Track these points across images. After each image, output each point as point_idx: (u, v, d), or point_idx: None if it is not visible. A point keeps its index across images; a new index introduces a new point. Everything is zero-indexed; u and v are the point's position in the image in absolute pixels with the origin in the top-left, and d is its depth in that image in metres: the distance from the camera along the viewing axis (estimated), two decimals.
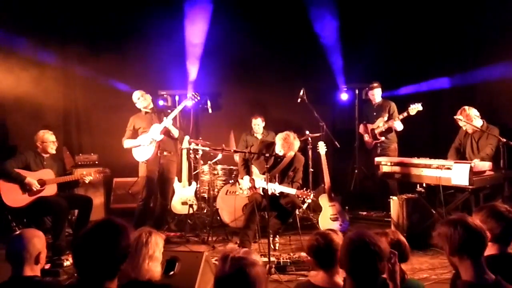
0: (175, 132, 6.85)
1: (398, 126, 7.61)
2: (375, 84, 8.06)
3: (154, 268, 3.09)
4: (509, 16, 7.42)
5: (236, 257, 2.28)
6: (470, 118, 6.50)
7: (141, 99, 6.86)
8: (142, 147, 6.72)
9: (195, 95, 6.96)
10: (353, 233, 2.68)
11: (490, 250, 2.98)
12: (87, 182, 6.64)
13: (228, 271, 2.23)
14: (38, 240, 3.20)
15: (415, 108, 7.22)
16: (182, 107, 6.93)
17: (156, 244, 3.14)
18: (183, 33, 8.64)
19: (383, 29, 8.65)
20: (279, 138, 6.21)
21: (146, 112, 6.92)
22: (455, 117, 6.54)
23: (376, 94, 8.06)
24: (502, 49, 7.44)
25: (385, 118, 7.82)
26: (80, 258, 2.44)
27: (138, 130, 6.88)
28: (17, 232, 3.35)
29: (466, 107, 6.59)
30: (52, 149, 6.53)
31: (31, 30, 7.86)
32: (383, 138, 7.86)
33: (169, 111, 7.04)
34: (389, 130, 7.79)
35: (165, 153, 6.77)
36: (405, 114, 7.39)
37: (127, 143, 6.87)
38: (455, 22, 8.24)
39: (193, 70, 8.84)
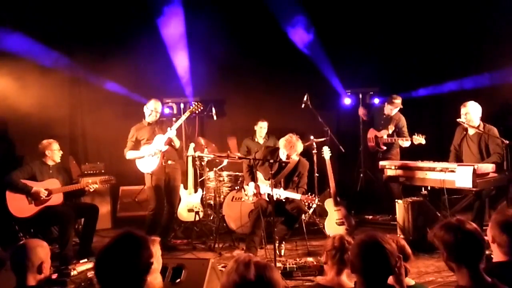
0: (177, 143, 6.81)
1: (406, 144, 7.59)
2: (397, 101, 7.83)
3: (154, 280, 3.07)
4: None
5: (260, 264, 2.28)
6: (474, 114, 6.50)
7: (153, 114, 6.76)
8: (147, 158, 6.65)
9: (198, 105, 6.93)
10: (364, 235, 2.72)
11: (498, 256, 2.97)
12: (91, 190, 6.68)
13: (254, 278, 2.22)
14: (41, 250, 3.24)
15: (418, 139, 7.20)
16: (186, 117, 6.87)
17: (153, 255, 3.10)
18: (187, 41, 8.69)
19: (386, 34, 8.70)
20: (282, 141, 6.22)
21: (148, 124, 6.84)
22: (458, 120, 6.55)
23: (394, 110, 7.92)
24: (507, 54, 7.45)
25: (390, 131, 7.80)
26: (104, 273, 2.44)
27: (140, 141, 6.80)
28: (21, 242, 3.39)
29: (468, 103, 6.58)
30: (59, 157, 6.60)
31: (37, 39, 7.92)
32: (385, 148, 7.87)
33: (174, 119, 7.04)
34: (392, 143, 7.83)
35: (169, 161, 6.72)
36: (408, 139, 7.39)
37: (130, 154, 6.78)
38: (460, 26, 8.25)
39: (197, 77, 8.89)
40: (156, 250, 3.13)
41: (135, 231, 2.57)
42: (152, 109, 6.74)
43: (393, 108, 7.92)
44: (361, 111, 8.53)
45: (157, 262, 3.11)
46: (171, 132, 6.61)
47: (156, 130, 6.76)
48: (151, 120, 6.79)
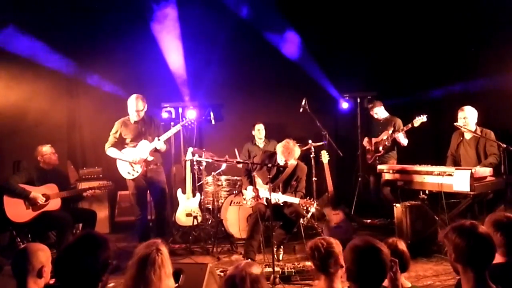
0: (163, 147, 6.66)
1: (402, 138, 7.64)
2: (371, 105, 8.13)
3: (171, 283, 3.07)
4: (509, 24, 7.47)
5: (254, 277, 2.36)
6: (471, 118, 6.53)
7: (135, 115, 6.55)
8: (128, 164, 6.53)
9: (191, 122, 6.90)
10: (357, 240, 2.71)
11: (496, 258, 2.97)
12: (89, 196, 6.69)
13: None
14: (42, 254, 3.23)
15: (419, 119, 7.23)
16: (177, 130, 6.81)
17: (168, 258, 3.10)
18: (185, 45, 8.71)
19: (384, 38, 8.73)
20: (279, 147, 6.22)
21: (134, 122, 6.66)
22: (455, 124, 6.56)
23: (379, 112, 8.07)
24: (504, 59, 7.47)
25: (390, 132, 7.82)
26: (62, 271, 2.51)
27: (124, 139, 6.65)
28: (22, 246, 3.40)
29: (465, 107, 6.60)
30: (54, 160, 6.59)
31: (36, 39, 7.93)
32: (383, 151, 7.89)
33: (172, 123, 7.03)
34: (393, 146, 7.85)
35: (151, 166, 6.61)
36: (409, 125, 7.37)
37: (111, 151, 6.59)
38: (457, 30, 8.26)
39: (196, 82, 8.91)
40: (167, 253, 3.11)
41: (96, 233, 2.64)
42: (134, 110, 6.50)
43: (379, 112, 8.08)
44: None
45: (168, 265, 3.09)
46: (158, 143, 6.50)
47: (141, 131, 6.63)
48: (136, 119, 6.63)
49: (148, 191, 6.83)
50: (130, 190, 6.70)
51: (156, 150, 6.59)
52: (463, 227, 2.65)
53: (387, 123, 7.98)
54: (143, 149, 6.50)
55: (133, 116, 6.59)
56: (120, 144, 6.65)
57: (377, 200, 7.96)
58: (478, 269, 2.57)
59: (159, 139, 6.47)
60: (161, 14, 8.54)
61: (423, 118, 7.22)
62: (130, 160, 6.50)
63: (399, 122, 7.90)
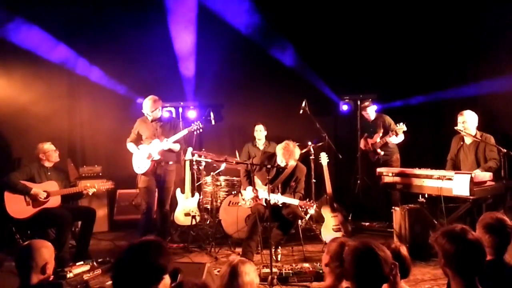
0: (176, 147, 6.83)
1: (394, 140, 7.77)
2: (367, 103, 8.21)
3: (167, 281, 3.08)
4: (509, 28, 7.48)
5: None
6: (471, 123, 6.51)
7: (149, 116, 6.81)
8: (140, 159, 6.73)
9: (199, 127, 6.96)
10: (357, 242, 2.71)
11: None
12: (90, 194, 6.69)
13: None
14: (45, 251, 3.27)
15: (400, 128, 7.47)
16: (184, 134, 6.88)
17: None
18: (186, 45, 8.71)
19: (384, 41, 8.73)
20: (279, 149, 6.23)
21: (152, 120, 6.87)
22: (456, 128, 6.55)
23: (371, 113, 8.19)
24: (504, 62, 7.48)
25: (381, 134, 7.92)
26: (118, 273, 2.53)
27: (141, 136, 6.91)
28: (26, 242, 3.42)
29: (465, 111, 6.58)
30: (55, 157, 6.63)
31: (38, 34, 7.92)
32: (382, 153, 7.94)
33: (182, 120, 7.09)
34: (387, 143, 7.90)
35: (162, 163, 6.76)
36: (394, 133, 7.64)
37: (129, 146, 6.92)
38: (458, 33, 8.28)
39: (196, 82, 8.92)
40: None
41: (160, 241, 2.68)
42: (146, 112, 6.78)
43: (370, 112, 8.18)
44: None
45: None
46: (167, 144, 6.66)
47: (157, 130, 6.82)
48: (152, 119, 6.84)
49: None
50: (141, 184, 6.83)
51: (169, 150, 6.78)
52: (453, 232, 2.63)
53: (376, 124, 8.12)
54: (154, 148, 6.68)
55: (148, 116, 6.81)
56: (138, 140, 6.94)
57: (384, 199, 7.95)
58: (467, 275, 2.56)
59: (166, 140, 6.64)
60: (162, 15, 8.56)
61: (403, 127, 7.45)
62: (141, 156, 6.70)
63: (387, 119, 8.06)
